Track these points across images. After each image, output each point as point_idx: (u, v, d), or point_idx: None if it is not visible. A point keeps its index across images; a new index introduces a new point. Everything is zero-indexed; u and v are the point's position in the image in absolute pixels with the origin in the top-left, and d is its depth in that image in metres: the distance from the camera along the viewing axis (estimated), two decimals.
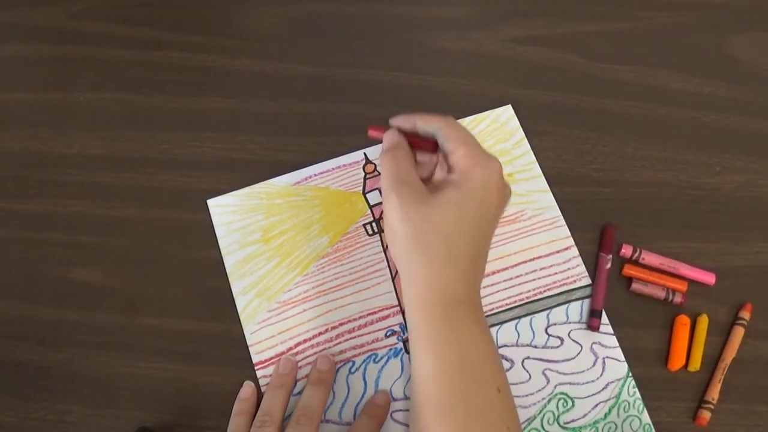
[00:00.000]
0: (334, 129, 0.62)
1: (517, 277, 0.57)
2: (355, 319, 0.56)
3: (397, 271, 0.57)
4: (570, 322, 0.56)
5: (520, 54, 0.65)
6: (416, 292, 0.47)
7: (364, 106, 0.63)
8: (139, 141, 0.62)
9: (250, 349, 0.55)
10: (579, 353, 0.55)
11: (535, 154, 0.61)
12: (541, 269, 0.57)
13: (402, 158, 0.50)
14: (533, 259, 0.58)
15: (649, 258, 0.57)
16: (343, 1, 0.67)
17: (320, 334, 0.56)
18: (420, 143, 0.51)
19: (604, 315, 0.56)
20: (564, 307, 0.56)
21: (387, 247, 0.58)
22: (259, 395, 0.54)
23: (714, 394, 0.54)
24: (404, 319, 0.56)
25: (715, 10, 0.67)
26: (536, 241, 0.58)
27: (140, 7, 0.67)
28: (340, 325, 0.56)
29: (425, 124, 0.51)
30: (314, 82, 0.64)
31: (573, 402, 0.54)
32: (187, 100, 0.64)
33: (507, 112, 0.62)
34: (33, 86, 0.65)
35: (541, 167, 0.60)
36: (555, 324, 0.56)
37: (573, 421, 0.53)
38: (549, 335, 0.55)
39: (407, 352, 0.55)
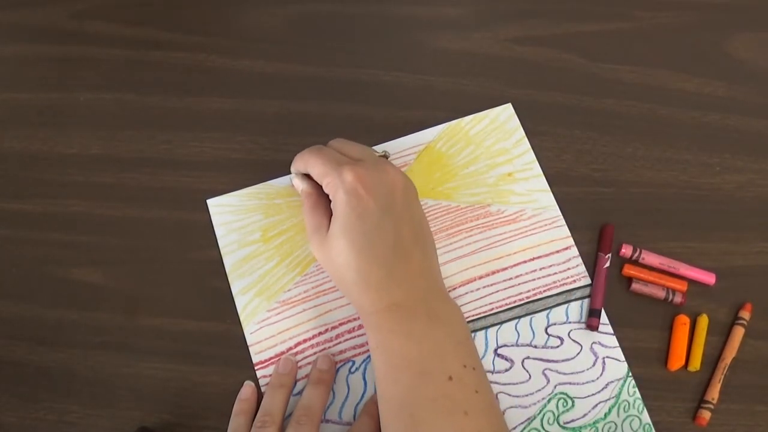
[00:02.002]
0: (334, 129, 0.62)
1: (516, 277, 0.57)
2: (355, 319, 0.56)
3: None
4: (570, 322, 0.56)
5: (520, 54, 0.65)
6: (357, 311, 0.53)
7: (364, 106, 0.63)
8: (139, 141, 0.62)
9: (250, 349, 0.55)
10: (579, 353, 0.55)
11: (535, 154, 0.61)
12: (540, 269, 0.57)
13: (307, 206, 0.55)
14: (533, 259, 0.58)
15: (649, 258, 0.57)
16: (343, 1, 0.67)
17: (320, 333, 0.56)
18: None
19: (603, 315, 0.56)
20: (564, 306, 0.56)
21: None
22: (259, 395, 0.54)
23: (714, 394, 0.54)
24: None
25: (715, 10, 0.67)
26: (536, 241, 0.58)
27: (140, 7, 0.67)
28: (340, 324, 0.56)
29: (299, 167, 0.55)
30: (314, 82, 0.64)
31: (573, 402, 0.54)
32: (187, 100, 0.64)
33: (507, 111, 0.62)
34: (33, 86, 0.65)
35: (541, 167, 0.60)
36: (555, 324, 0.56)
37: (573, 420, 0.53)
38: (549, 335, 0.55)
39: None
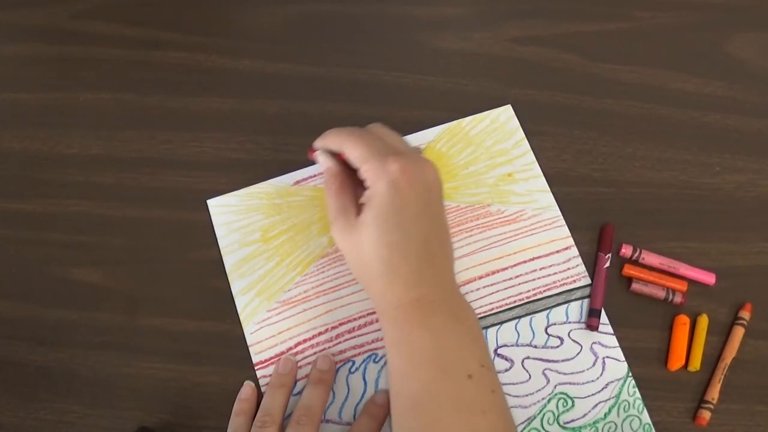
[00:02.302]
0: None
1: (516, 276, 0.57)
2: (355, 319, 0.56)
3: None
4: (570, 322, 0.56)
5: (520, 54, 0.65)
6: (375, 304, 0.52)
7: (364, 106, 0.63)
8: (139, 141, 0.62)
9: (250, 349, 0.55)
10: (579, 353, 0.55)
11: (535, 154, 0.61)
12: (540, 269, 0.57)
13: (331, 187, 0.53)
14: (533, 259, 0.58)
15: (649, 258, 0.57)
16: (343, 1, 0.67)
17: (320, 333, 0.56)
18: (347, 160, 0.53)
19: (603, 315, 0.56)
20: (564, 306, 0.56)
21: None
22: (260, 395, 0.54)
23: (714, 394, 0.54)
24: None
25: (715, 10, 0.67)
26: (536, 241, 0.58)
27: (140, 7, 0.67)
28: (340, 324, 0.56)
29: (331, 143, 0.53)
30: (314, 82, 0.64)
31: (573, 402, 0.54)
32: (187, 100, 0.64)
33: (507, 112, 0.62)
34: (33, 86, 0.65)
35: (541, 167, 0.60)
36: (555, 324, 0.56)
37: (573, 420, 0.53)
38: (549, 335, 0.55)
39: None
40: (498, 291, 0.57)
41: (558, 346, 0.55)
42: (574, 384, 0.54)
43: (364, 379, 0.55)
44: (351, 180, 0.53)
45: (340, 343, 0.56)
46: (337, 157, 0.54)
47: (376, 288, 0.50)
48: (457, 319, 0.49)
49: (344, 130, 0.53)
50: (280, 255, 0.58)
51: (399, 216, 0.49)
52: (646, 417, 0.53)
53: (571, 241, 0.58)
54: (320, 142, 0.55)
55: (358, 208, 0.51)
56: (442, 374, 0.47)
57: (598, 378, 0.54)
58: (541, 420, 0.53)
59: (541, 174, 0.60)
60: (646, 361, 0.55)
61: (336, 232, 0.52)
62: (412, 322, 0.49)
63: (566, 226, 0.58)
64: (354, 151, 0.51)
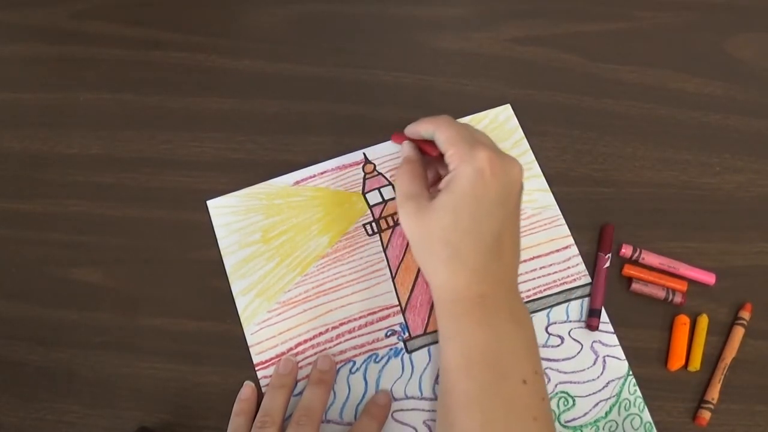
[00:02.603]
0: (334, 129, 0.62)
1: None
2: (355, 319, 0.56)
3: (397, 271, 0.57)
4: (570, 321, 0.56)
5: (520, 54, 0.65)
6: (436, 294, 0.50)
7: (364, 106, 0.63)
8: (139, 141, 0.62)
9: (250, 349, 0.55)
10: (579, 352, 0.55)
11: (535, 154, 0.61)
12: (541, 268, 0.57)
13: (407, 172, 0.53)
14: (533, 258, 0.58)
15: (649, 258, 0.57)
16: (343, 1, 0.67)
17: (320, 334, 0.56)
18: (429, 149, 0.53)
19: (604, 314, 0.56)
20: (564, 306, 0.56)
21: (387, 246, 0.58)
22: (260, 396, 0.54)
23: (714, 394, 0.54)
24: (404, 318, 0.56)
25: (715, 10, 0.67)
26: (536, 240, 0.58)
27: (140, 7, 0.67)
28: (341, 325, 0.56)
29: (424, 129, 0.53)
30: (314, 82, 0.64)
31: (574, 401, 0.54)
32: (187, 100, 0.64)
33: (506, 111, 0.62)
34: (33, 86, 0.65)
35: (541, 167, 0.60)
36: (555, 323, 0.56)
37: (574, 419, 0.53)
38: (549, 334, 0.55)
39: (408, 351, 0.55)
40: None
41: (558, 345, 0.55)
42: (574, 383, 0.54)
43: (364, 379, 0.54)
44: (425, 169, 0.53)
45: (340, 343, 0.55)
46: (418, 147, 0.54)
47: (439, 276, 0.50)
48: (517, 322, 0.49)
49: (441, 116, 0.53)
50: (280, 255, 0.58)
51: (476, 204, 0.48)
52: (647, 415, 0.53)
53: (571, 240, 0.58)
54: (411, 128, 0.54)
55: (431, 195, 0.51)
56: (499, 376, 0.47)
57: (598, 377, 0.54)
58: None
59: (541, 173, 0.60)
60: (646, 361, 0.55)
61: (404, 216, 0.51)
62: (473, 318, 0.48)
63: (566, 225, 0.58)
64: (444, 133, 0.51)
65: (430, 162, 0.54)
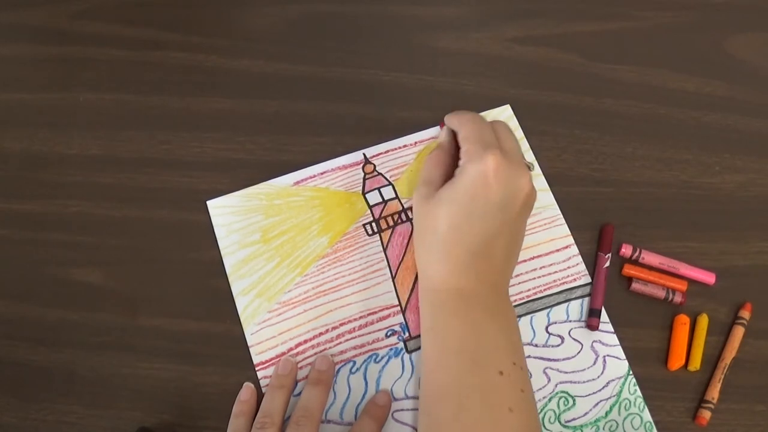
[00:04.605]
0: (334, 129, 0.62)
1: (516, 276, 0.57)
2: (355, 319, 0.56)
3: (397, 271, 0.57)
4: (570, 321, 0.56)
5: (520, 54, 0.65)
6: (421, 282, 0.53)
7: (364, 106, 0.63)
8: (139, 141, 0.62)
9: (250, 349, 0.55)
10: (579, 352, 0.55)
11: (535, 154, 0.61)
12: (541, 268, 0.57)
13: (432, 158, 0.55)
14: (533, 258, 0.58)
15: (649, 258, 0.57)
16: (343, 1, 0.67)
17: (321, 334, 0.56)
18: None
19: (604, 313, 0.56)
20: (564, 305, 0.56)
21: (387, 246, 0.58)
22: (260, 396, 0.54)
23: (714, 393, 0.54)
24: (404, 318, 0.56)
25: (715, 10, 0.67)
26: (536, 240, 0.58)
27: (140, 7, 0.67)
28: (341, 325, 0.56)
29: (450, 122, 0.55)
30: (314, 82, 0.64)
31: (574, 400, 0.54)
32: (187, 100, 0.64)
33: (506, 111, 0.62)
34: (33, 86, 0.65)
35: (541, 167, 0.60)
36: (555, 323, 0.56)
37: (574, 419, 0.53)
38: (549, 334, 0.55)
39: (408, 351, 0.55)
40: None
41: (558, 345, 0.55)
42: (574, 383, 0.54)
43: (365, 379, 0.54)
44: (452, 160, 0.54)
45: (340, 343, 0.55)
46: (454, 138, 0.56)
47: (425, 263, 0.51)
48: (494, 316, 0.50)
49: (468, 113, 0.55)
50: (280, 256, 0.58)
51: (472, 205, 0.49)
52: (647, 415, 0.53)
53: (571, 239, 0.58)
54: (449, 118, 0.56)
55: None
56: (473, 366, 0.48)
57: (598, 376, 0.54)
58: (543, 419, 0.53)
59: (541, 174, 0.60)
60: (646, 361, 0.55)
61: (415, 199, 0.53)
62: (450, 309, 0.49)
63: (566, 225, 0.58)
64: (464, 130, 0.53)
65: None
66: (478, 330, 0.49)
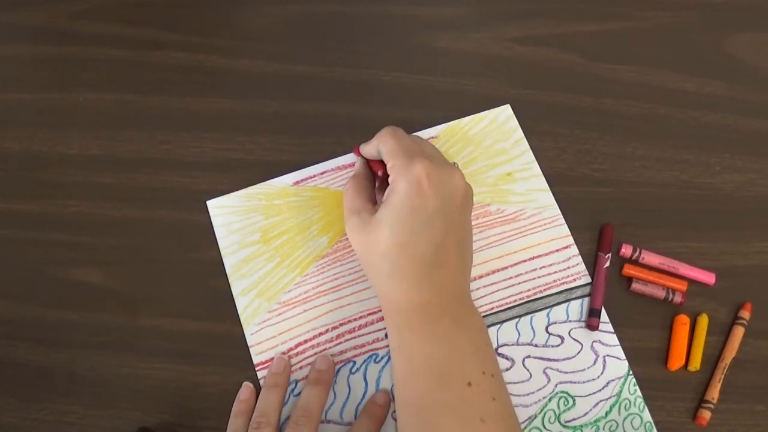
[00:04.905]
0: (334, 129, 0.62)
1: (516, 276, 0.57)
2: (355, 319, 0.56)
3: None
4: (570, 321, 0.56)
5: (520, 54, 0.65)
6: (382, 306, 0.52)
7: (364, 106, 0.63)
8: (139, 141, 0.62)
9: (250, 350, 0.55)
10: (579, 352, 0.55)
11: (535, 154, 0.61)
12: (541, 268, 0.57)
13: (352, 188, 0.54)
14: (533, 258, 0.58)
15: (649, 258, 0.57)
16: (343, 1, 0.67)
17: (321, 334, 0.56)
18: (377, 167, 0.55)
19: (604, 313, 0.56)
20: (564, 305, 0.56)
21: None
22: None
23: (714, 393, 0.54)
24: None
25: (715, 10, 0.67)
26: (536, 240, 0.58)
27: (140, 7, 0.67)
28: (341, 325, 0.56)
29: (372, 145, 0.54)
30: (314, 82, 0.64)
31: (574, 400, 0.54)
32: (187, 100, 0.64)
33: (506, 111, 0.62)
34: (33, 86, 0.65)
35: (541, 167, 0.60)
36: (555, 323, 0.56)
37: (574, 419, 0.53)
38: (549, 334, 0.55)
39: None
40: (498, 290, 0.57)
41: (558, 345, 0.55)
42: (574, 383, 0.54)
43: (365, 379, 0.54)
44: (371, 185, 0.55)
45: (340, 343, 0.55)
46: (368, 162, 0.56)
47: (382, 289, 0.50)
48: (459, 326, 0.49)
49: (385, 129, 0.54)
50: (280, 256, 0.58)
51: (413, 217, 0.49)
52: (647, 415, 0.53)
53: (570, 239, 0.58)
54: (363, 146, 0.56)
55: (375, 210, 0.51)
56: (439, 382, 0.47)
57: (598, 376, 0.54)
58: (542, 419, 0.53)
59: (540, 173, 0.60)
60: (646, 361, 0.55)
61: (349, 230, 0.52)
62: (414, 327, 0.49)
63: (566, 225, 0.58)
64: (386, 146, 0.52)
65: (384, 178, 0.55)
66: (445, 344, 0.48)
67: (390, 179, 0.51)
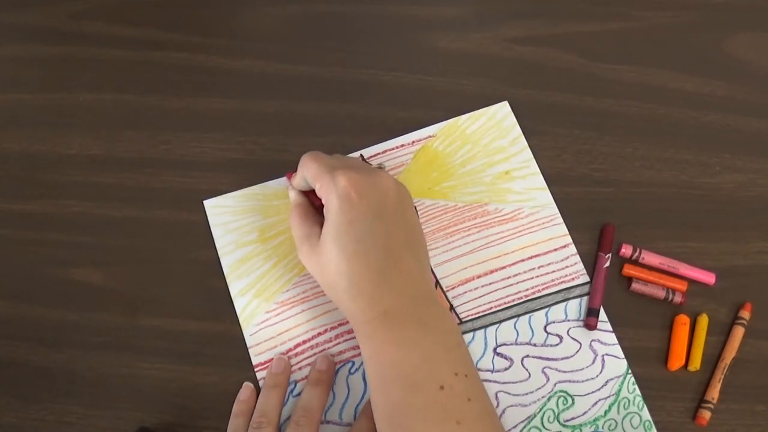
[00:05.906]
0: (334, 129, 0.62)
1: (515, 275, 0.57)
2: None
3: None
4: (569, 320, 0.56)
5: (519, 54, 0.65)
6: (350, 320, 0.51)
7: (365, 106, 0.63)
8: (138, 141, 0.62)
9: (249, 350, 0.55)
10: (578, 351, 0.55)
11: (534, 154, 0.61)
12: (539, 267, 0.57)
13: (296, 216, 0.54)
14: (531, 257, 0.57)
15: (649, 258, 0.57)
16: (343, 1, 0.67)
17: (320, 334, 0.56)
18: (313, 198, 0.54)
19: (602, 313, 0.56)
20: (563, 305, 0.56)
21: None
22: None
23: (714, 393, 0.53)
24: None
25: (715, 10, 0.67)
26: (534, 239, 0.58)
27: (140, 7, 0.67)
28: (340, 325, 0.56)
29: (298, 178, 0.54)
30: (314, 82, 0.64)
31: (573, 400, 0.54)
32: (187, 100, 0.64)
33: (503, 109, 0.62)
34: (33, 86, 0.65)
35: (540, 167, 0.60)
36: (554, 322, 0.56)
37: (573, 418, 0.53)
38: (548, 333, 0.55)
39: None
40: (497, 290, 0.57)
41: (557, 344, 0.55)
42: (573, 382, 0.54)
43: (364, 379, 0.54)
44: (314, 209, 0.54)
45: (339, 343, 0.55)
46: (305, 195, 0.55)
47: (344, 305, 0.50)
48: (426, 330, 0.49)
49: (304, 156, 0.53)
50: (277, 255, 0.58)
51: (353, 228, 0.49)
52: (646, 414, 0.53)
53: (569, 238, 0.58)
54: (293, 179, 0.55)
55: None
56: (410, 388, 0.47)
57: (597, 375, 0.54)
58: (542, 418, 0.53)
59: (539, 172, 0.60)
60: (646, 361, 0.55)
61: (302, 258, 0.52)
62: (380, 337, 0.48)
63: (564, 224, 0.58)
64: (308, 171, 0.52)
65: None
66: (413, 350, 0.48)
67: (323, 201, 0.51)
